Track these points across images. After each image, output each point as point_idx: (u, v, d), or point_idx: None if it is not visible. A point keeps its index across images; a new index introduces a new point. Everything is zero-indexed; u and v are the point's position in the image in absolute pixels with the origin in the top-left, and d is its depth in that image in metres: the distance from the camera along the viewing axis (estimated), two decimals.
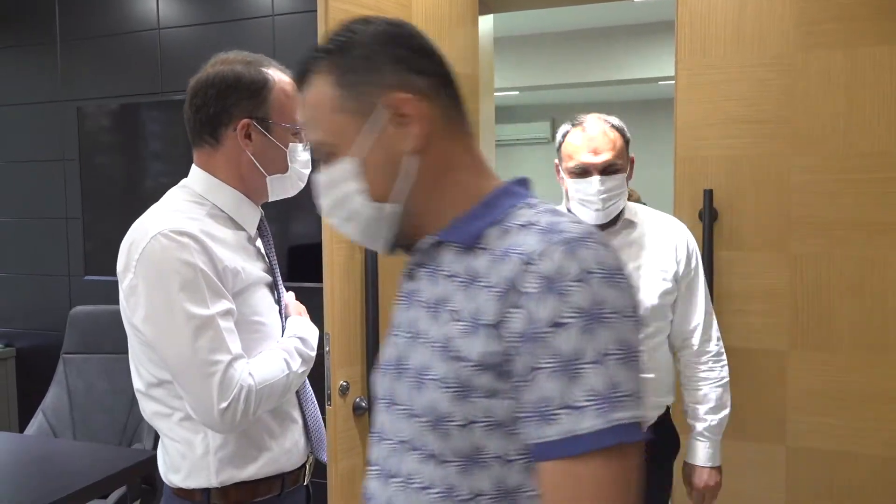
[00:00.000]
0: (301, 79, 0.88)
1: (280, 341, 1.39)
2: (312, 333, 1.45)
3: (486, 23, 2.82)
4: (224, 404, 1.21)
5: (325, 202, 0.90)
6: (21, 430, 3.64)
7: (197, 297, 1.22)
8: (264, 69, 1.37)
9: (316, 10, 1.91)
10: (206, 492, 1.31)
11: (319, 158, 0.89)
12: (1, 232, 3.66)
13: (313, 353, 1.42)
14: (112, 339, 2.96)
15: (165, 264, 1.22)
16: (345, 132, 0.85)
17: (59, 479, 2.11)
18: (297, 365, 1.36)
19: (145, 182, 3.30)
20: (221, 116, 1.32)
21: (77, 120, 3.43)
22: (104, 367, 2.96)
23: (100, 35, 3.39)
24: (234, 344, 1.25)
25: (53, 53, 3.49)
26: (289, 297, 1.50)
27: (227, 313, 1.26)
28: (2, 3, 3.58)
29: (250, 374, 1.26)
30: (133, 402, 2.87)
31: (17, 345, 3.65)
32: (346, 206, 0.87)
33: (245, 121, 1.32)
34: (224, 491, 1.31)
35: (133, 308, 1.25)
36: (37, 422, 2.92)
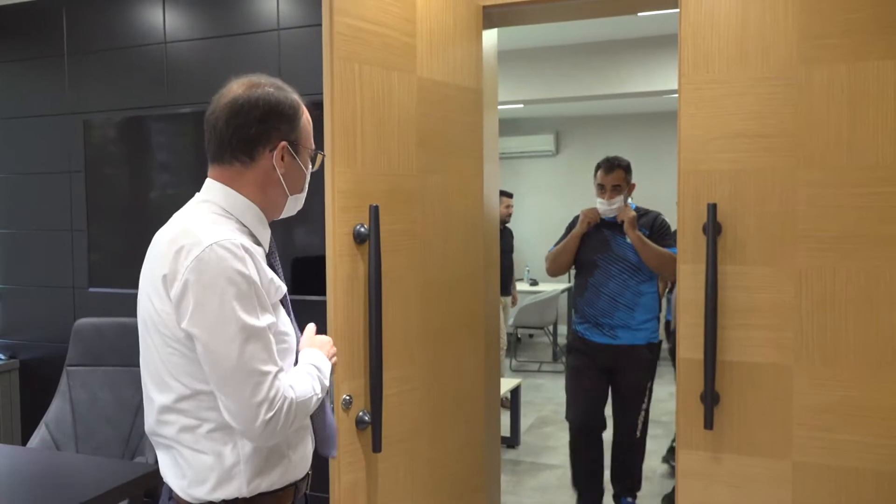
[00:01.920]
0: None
1: (300, 367, 1.42)
2: (326, 366, 1.48)
3: (490, 37, 2.83)
4: (269, 414, 1.25)
5: None
6: (24, 442, 3.64)
7: (250, 308, 1.27)
8: (294, 95, 1.45)
9: (321, 25, 1.92)
10: (234, 503, 1.33)
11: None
12: (6, 243, 3.67)
13: (327, 384, 1.47)
14: (116, 352, 2.95)
15: (224, 273, 1.25)
16: None
17: (61, 492, 2.11)
18: (319, 389, 1.41)
19: (151, 194, 3.31)
20: (261, 137, 1.38)
21: (83, 132, 3.45)
22: (108, 380, 2.96)
23: (107, 48, 3.42)
24: (276, 357, 1.30)
25: (61, 66, 3.52)
26: (309, 328, 1.56)
27: (271, 326, 1.31)
28: (9, 16, 3.61)
29: (291, 387, 1.31)
30: (136, 414, 2.87)
31: (20, 356, 3.66)
32: None
33: (283, 143, 1.40)
34: (252, 501, 1.34)
35: (183, 314, 1.26)
36: (40, 434, 2.92)
